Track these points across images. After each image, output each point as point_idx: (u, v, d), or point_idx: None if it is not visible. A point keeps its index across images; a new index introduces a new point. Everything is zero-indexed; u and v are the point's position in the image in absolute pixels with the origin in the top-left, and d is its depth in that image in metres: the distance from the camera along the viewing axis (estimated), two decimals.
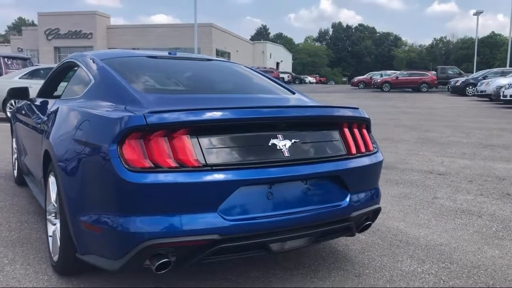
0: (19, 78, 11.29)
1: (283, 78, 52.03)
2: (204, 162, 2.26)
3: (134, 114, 2.25)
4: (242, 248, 2.39)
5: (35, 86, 4.41)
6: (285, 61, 76.74)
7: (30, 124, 3.89)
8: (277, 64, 69.53)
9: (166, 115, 2.26)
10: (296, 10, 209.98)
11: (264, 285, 2.79)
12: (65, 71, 3.88)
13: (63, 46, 42.53)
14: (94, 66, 3.17)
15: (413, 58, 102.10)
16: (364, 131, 2.95)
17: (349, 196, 2.68)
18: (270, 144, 2.44)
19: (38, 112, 3.72)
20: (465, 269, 3.12)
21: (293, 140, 2.51)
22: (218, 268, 2.98)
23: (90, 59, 3.32)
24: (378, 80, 37.16)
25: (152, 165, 2.19)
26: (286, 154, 2.46)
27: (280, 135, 2.48)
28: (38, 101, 3.98)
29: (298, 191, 2.51)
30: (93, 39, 42.63)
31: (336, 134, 2.76)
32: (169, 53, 3.66)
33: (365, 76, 46.03)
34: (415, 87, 34.41)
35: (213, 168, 2.27)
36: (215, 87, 3.37)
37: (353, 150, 2.77)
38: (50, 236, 2.98)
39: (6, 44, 57.19)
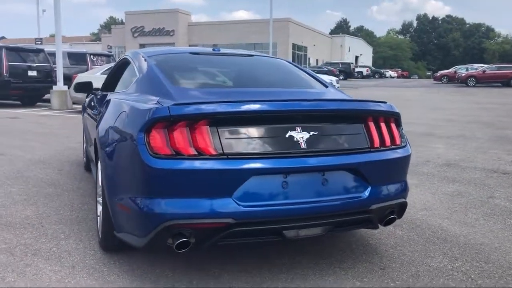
0: (101, 74, 12.16)
1: (361, 72, 50.91)
2: (222, 151, 2.42)
3: (161, 105, 2.47)
4: (256, 233, 2.54)
5: None
6: (365, 55, 74.88)
7: (91, 115, 4.30)
8: (356, 57, 68.07)
9: (188, 107, 2.45)
10: (379, 3, 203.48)
11: (287, 271, 2.91)
12: (122, 66, 4.22)
13: (147, 43, 44.77)
14: (141, 62, 3.45)
15: (508, 51, 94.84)
16: (393, 125, 2.95)
17: (369, 188, 2.71)
18: (287, 136, 2.55)
19: (96, 105, 4.11)
20: (499, 269, 3.02)
21: (311, 133, 2.60)
22: (243, 253, 3.14)
23: (141, 56, 3.60)
24: (463, 74, 35.12)
25: (174, 153, 2.39)
26: (303, 145, 2.56)
27: (298, 128, 2.58)
28: (99, 95, 4.37)
29: (315, 182, 2.59)
30: (175, 36, 44.46)
31: (359, 128, 2.79)
32: (213, 50, 3.87)
33: (449, 70, 43.68)
34: (505, 82, 32.09)
35: (229, 156, 2.42)
36: (247, 81, 3.52)
37: (377, 144, 2.79)
38: (98, 216, 3.31)
39: (98, 42, 61.44)
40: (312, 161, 2.57)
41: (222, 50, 3.88)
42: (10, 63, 13.17)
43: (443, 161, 6.63)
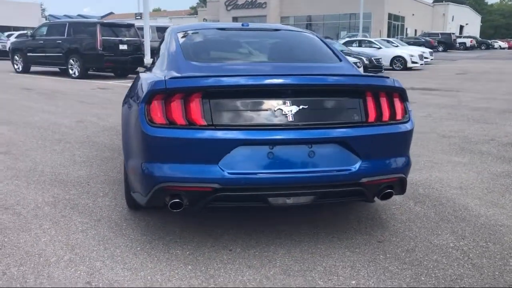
0: None
1: (464, 43, 47.44)
2: (211, 122, 2.63)
3: (160, 79, 2.72)
4: (241, 198, 2.74)
5: None
6: (472, 24, 69.22)
7: None
8: (461, 27, 63.26)
9: (182, 80, 2.69)
10: None
11: (284, 237, 3.08)
12: (161, 42, 4.54)
13: (240, 16, 45.31)
14: (169, 38, 3.72)
15: None
16: (396, 100, 2.93)
17: (359, 162, 2.76)
18: (276, 109, 2.68)
19: None
20: (505, 251, 2.93)
21: (301, 106, 2.70)
22: (251, 219, 3.35)
23: (172, 32, 3.87)
24: None
25: (168, 122, 2.64)
26: (290, 118, 2.68)
27: (288, 101, 2.70)
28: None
29: (301, 153, 2.71)
30: (267, 8, 44.51)
31: (355, 102, 2.83)
32: (242, 25, 4.02)
33: None
34: None
35: (217, 127, 2.63)
36: (260, 56, 3.65)
37: (372, 118, 2.81)
38: None
39: (195, 15, 63.60)
40: (298, 134, 2.68)
41: (251, 25, 4.02)
42: (103, 37, 14.28)
43: (510, 140, 6.23)
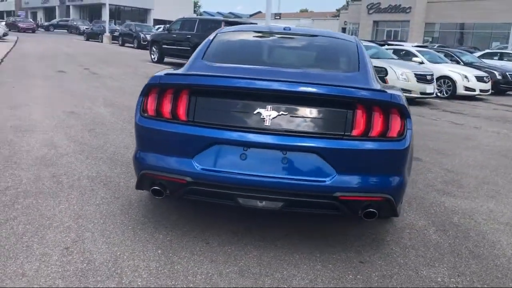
0: None
1: None
2: (192, 118, 2.78)
3: (157, 75, 2.95)
4: (211, 194, 2.83)
5: None
6: None
7: None
8: None
9: (173, 77, 2.89)
10: None
11: (269, 241, 3.10)
12: None
13: (381, 20, 43.94)
14: (207, 38, 3.92)
15: None
16: (394, 116, 2.76)
17: (335, 176, 2.67)
18: (255, 112, 2.73)
19: None
20: (481, 281, 2.60)
21: (281, 112, 2.71)
22: (245, 218, 3.41)
23: (215, 32, 4.07)
24: None
25: (155, 114, 2.86)
26: (267, 123, 2.70)
27: (269, 106, 2.72)
28: None
29: (274, 159, 2.71)
30: (411, 14, 42.41)
31: (342, 114, 2.73)
32: (284, 29, 4.05)
33: None
34: None
35: (196, 124, 2.77)
36: (276, 61, 3.61)
37: (357, 132, 2.70)
38: None
39: (337, 18, 63.36)
40: (273, 139, 2.69)
41: (292, 30, 4.01)
42: None
43: None
